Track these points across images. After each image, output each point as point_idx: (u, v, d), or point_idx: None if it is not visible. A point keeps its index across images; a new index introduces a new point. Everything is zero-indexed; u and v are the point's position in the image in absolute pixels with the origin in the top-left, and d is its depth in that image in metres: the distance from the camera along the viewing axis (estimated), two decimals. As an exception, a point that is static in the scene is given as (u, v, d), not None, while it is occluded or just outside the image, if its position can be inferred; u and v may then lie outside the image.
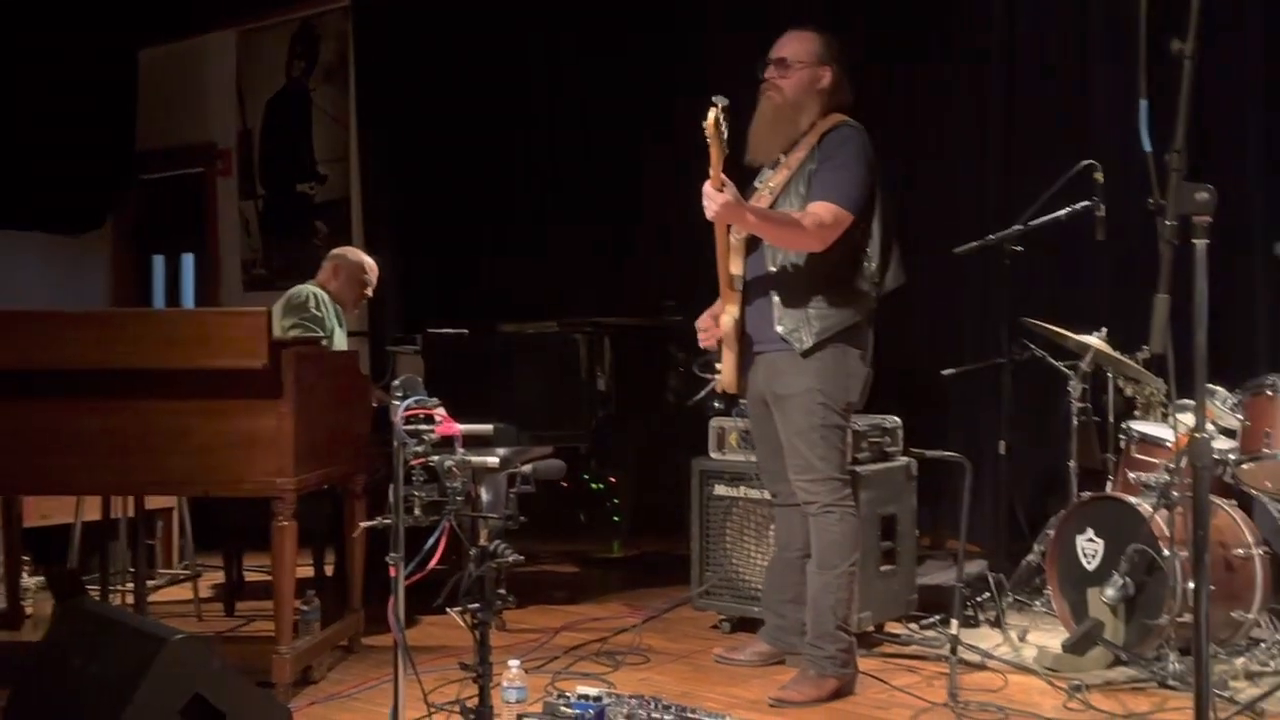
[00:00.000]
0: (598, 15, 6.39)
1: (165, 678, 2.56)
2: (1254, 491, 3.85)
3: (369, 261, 5.10)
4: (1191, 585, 3.22)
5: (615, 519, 5.90)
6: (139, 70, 8.20)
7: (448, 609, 2.68)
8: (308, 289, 4.89)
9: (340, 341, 4.91)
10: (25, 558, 4.59)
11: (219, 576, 4.94)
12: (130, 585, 4.44)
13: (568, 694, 3.03)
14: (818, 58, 3.56)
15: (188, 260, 4.22)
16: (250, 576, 4.94)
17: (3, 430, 3.42)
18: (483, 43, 6.74)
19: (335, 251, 5.15)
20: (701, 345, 3.74)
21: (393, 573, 2.65)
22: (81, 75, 7.61)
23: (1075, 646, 3.66)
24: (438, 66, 6.88)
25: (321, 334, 4.68)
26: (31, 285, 7.57)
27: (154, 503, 5.05)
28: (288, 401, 3.38)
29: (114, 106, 7.99)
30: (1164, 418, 4.18)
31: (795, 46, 3.58)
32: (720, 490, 4.26)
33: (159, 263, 4.48)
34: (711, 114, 3.25)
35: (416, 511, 2.66)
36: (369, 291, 5.14)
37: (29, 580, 4.63)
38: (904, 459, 4.23)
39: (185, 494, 4.75)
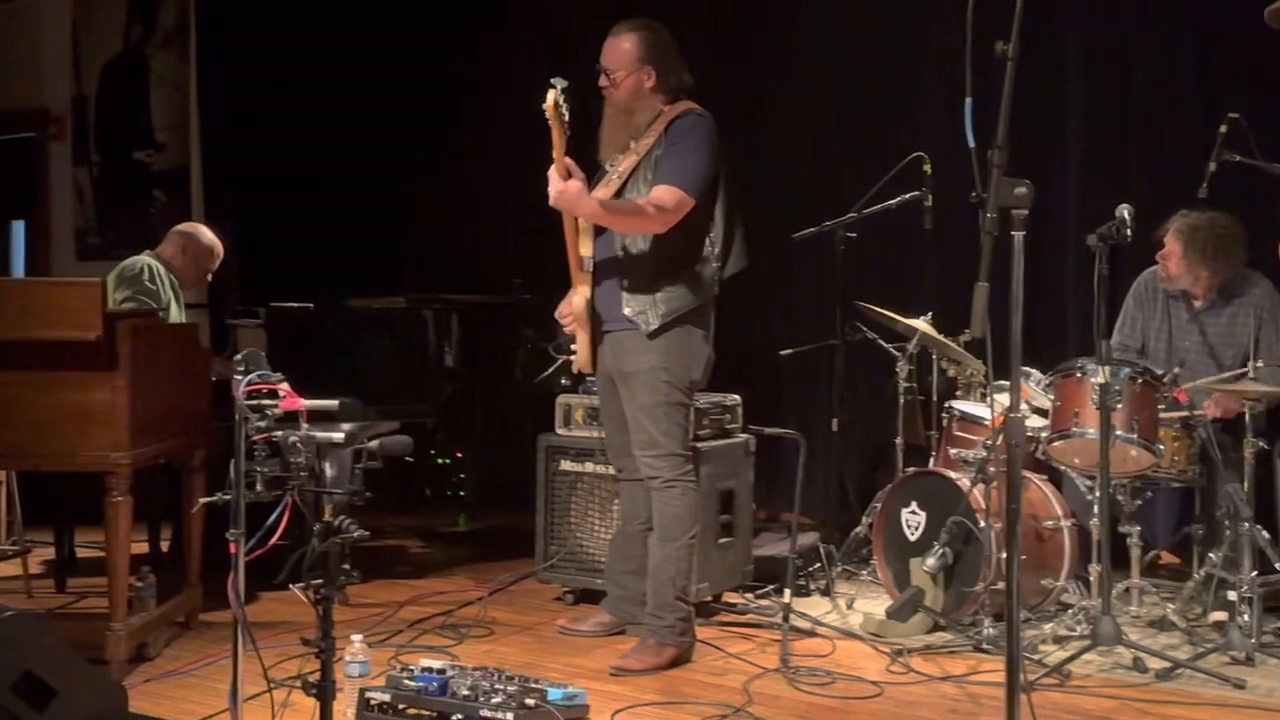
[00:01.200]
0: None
1: (-6, 654, 2.50)
2: (1063, 467, 4.10)
3: (219, 247, 4.97)
4: (1004, 555, 3.45)
5: (461, 494, 5.92)
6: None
7: (290, 585, 2.67)
8: (142, 260, 4.76)
9: (176, 315, 4.79)
10: None
11: (49, 552, 4.78)
12: (-46, 563, 4.29)
13: (411, 667, 3.06)
14: (637, 62, 3.60)
15: (18, 227, 4.06)
16: (83, 553, 4.80)
17: None
18: (326, 7, 6.62)
19: (185, 228, 5.01)
20: (567, 332, 3.80)
21: (233, 549, 2.63)
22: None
23: (898, 613, 3.86)
24: (281, 32, 6.71)
25: (157, 306, 4.57)
26: None
27: (-20, 477, 4.87)
28: (123, 374, 3.32)
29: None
30: (983, 398, 4.41)
31: (614, 55, 3.62)
32: (566, 465, 4.33)
33: (-13, 230, 4.31)
34: (551, 95, 3.29)
35: (258, 487, 2.63)
36: (210, 276, 5.06)
37: None
38: (743, 435, 4.37)
39: (15, 468, 4.60)
